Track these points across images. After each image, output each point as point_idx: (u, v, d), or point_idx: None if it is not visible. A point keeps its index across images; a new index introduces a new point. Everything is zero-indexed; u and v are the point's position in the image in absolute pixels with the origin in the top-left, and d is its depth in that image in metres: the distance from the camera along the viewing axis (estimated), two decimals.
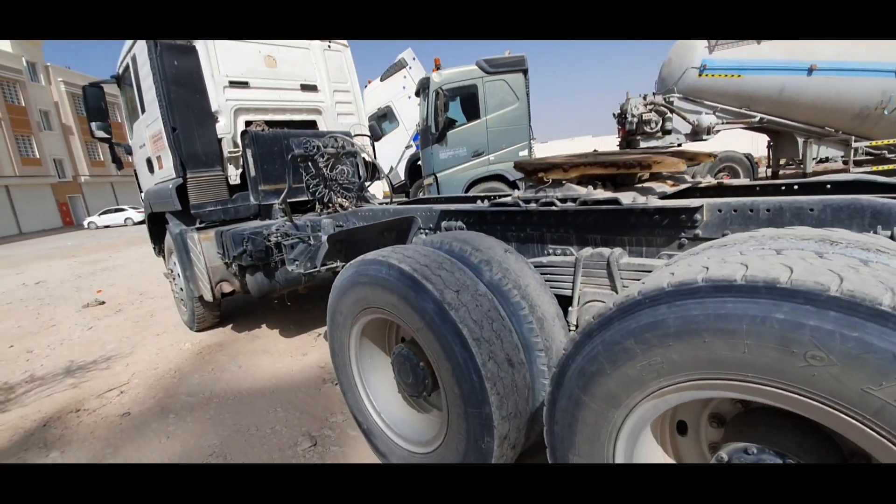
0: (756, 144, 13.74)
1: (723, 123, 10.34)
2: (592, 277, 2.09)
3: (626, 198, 2.01)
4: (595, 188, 2.24)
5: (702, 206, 1.83)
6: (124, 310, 6.69)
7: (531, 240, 2.48)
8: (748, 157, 9.95)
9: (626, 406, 1.28)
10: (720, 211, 1.82)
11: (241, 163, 4.85)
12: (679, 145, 10.99)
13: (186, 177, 4.43)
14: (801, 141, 10.72)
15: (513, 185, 9.35)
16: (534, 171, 2.38)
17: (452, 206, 2.79)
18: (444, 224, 2.82)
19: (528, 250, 2.46)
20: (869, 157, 10.47)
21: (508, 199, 2.51)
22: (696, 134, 10.47)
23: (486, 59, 8.99)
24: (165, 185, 4.60)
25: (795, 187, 2.31)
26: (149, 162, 5.19)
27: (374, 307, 2.11)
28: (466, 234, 2.34)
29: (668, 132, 10.56)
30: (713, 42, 9.89)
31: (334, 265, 3.55)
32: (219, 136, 4.61)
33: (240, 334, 4.94)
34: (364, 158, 5.02)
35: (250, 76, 4.81)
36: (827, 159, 10.64)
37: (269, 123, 4.82)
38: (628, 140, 11.15)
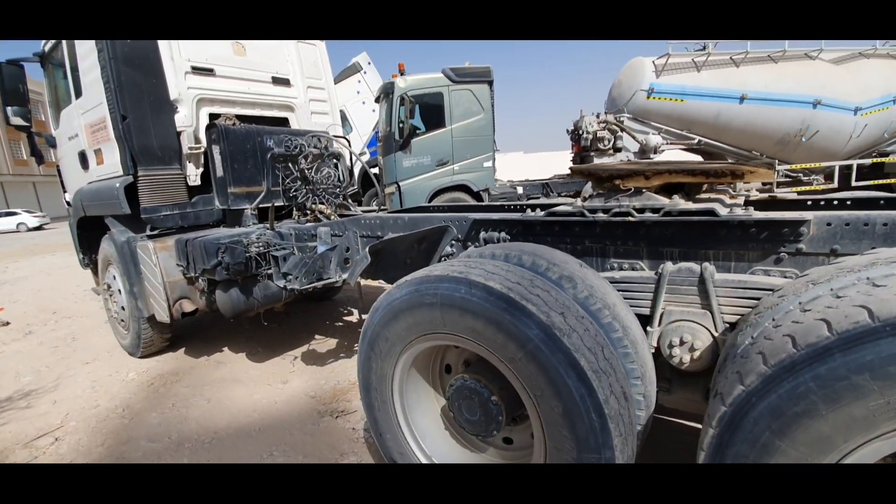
0: None
1: (667, 144, 11.01)
2: (678, 295, 1.90)
3: (720, 209, 1.86)
4: (668, 198, 2.08)
5: (809, 219, 1.71)
6: (36, 332, 5.58)
7: (589, 253, 2.26)
8: None
9: (841, 451, 1.07)
10: (829, 225, 1.71)
11: (204, 161, 4.21)
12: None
13: (138, 175, 3.73)
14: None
15: (477, 195, 9.24)
16: (609, 178, 2.17)
17: (494, 216, 2.51)
18: (483, 235, 2.52)
19: (588, 265, 2.23)
20: (787, 180, 11.67)
21: (567, 208, 2.28)
22: (644, 152, 11.04)
23: (451, 67, 8.85)
24: (109, 183, 3.85)
25: (848, 202, 2.31)
26: (82, 156, 4.35)
27: (439, 333, 1.76)
28: (533, 246, 2.07)
29: (619, 150, 11.04)
30: (660, 66, 10.54)
31: (333, 281, 3.11)
32: (178, 129, 3.96)
33: (197, 360, 4.24)
34: (346, 162, 4.57)
35: (216, 63, 4.21)
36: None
37: (239, 118, 4.23)
38: (582, 156, 11.52)
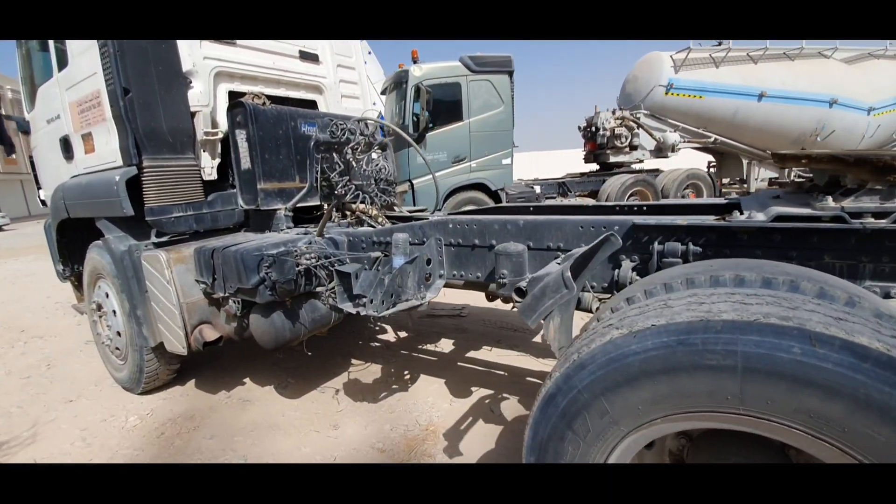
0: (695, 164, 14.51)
1: (684, 142, 10.63)
2: None
3: None
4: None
5: None
6: (1, 356, 4.62)
7: (826, 271, 1.63)
8: (710, 174, 10.35)
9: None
10: None
11: (220, 150, 3.41)
12: (641, 161, 11.13)
13: (142, 165, 2.92)
14: (745, 162, 11.44)
15: (494, 195, 8.60)
16: (885, 168, 1.54)
17: (669, 220, 1.85)
18: (656, 246, 1.86)
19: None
20: (800, 180, 11.45)
21: (801, 210, 1.64)
22: (661, 151, 10.65)
23: (470, 55, 8.17)
24: (105, 176, 3.02)
25: None
26: (65, 143, 3.48)
27: (722, 412, 1.09)
28: (795, 267, 1.42)
29: (635, 147, 10.61)
30: (679, 62, 10.13)
31: (416, 304, 2.40)
32: (192, 109, 3.16)
33: (215, 397, 3.43)
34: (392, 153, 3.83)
35: None
36: (773, 180, 11.47)
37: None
38: (596, 153, 11.04)
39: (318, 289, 2.75)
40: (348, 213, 3.64)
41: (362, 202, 3.61)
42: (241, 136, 3.19)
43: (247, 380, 3.68)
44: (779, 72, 10.29)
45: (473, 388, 3.38)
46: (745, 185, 11.53)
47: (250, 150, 3.15)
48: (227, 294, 2.69)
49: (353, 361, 4.01)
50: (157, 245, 3.07)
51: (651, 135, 10.35)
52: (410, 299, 2.48)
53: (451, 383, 3.49)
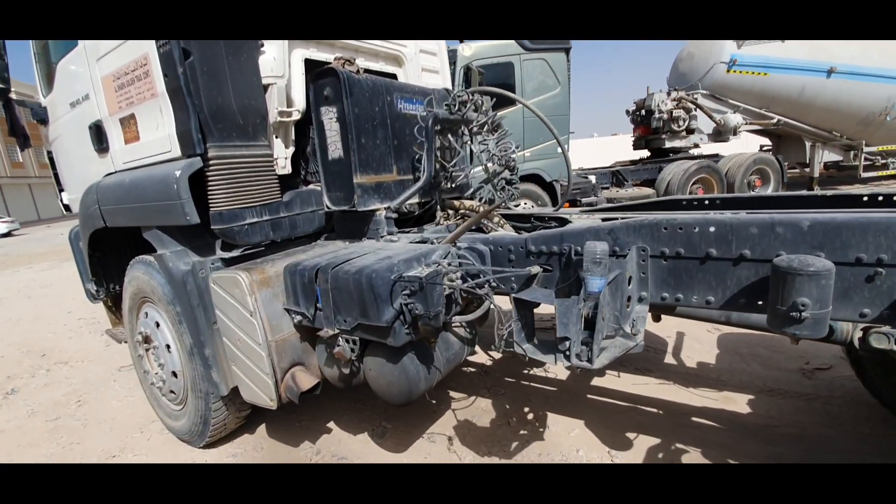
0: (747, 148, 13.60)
1: (746, 124, 9.77)
2: None
3: None
4: None
5: None
6: (21, 389, 3.93)
7: None
8: (778, 159, 9.50)
9: None
10: None
11: (294, 136, 2.66)
12: (698, 146, 10.28)
13: (208, 156, 2.16)
14: (808, 145, 10.55)
15: (549, 187, 7.81)
16: None
17: None
18: None
19: None
20: (866, 163, 10.58)
21: None
22: (720, 134, 9.79)
23: None
24: (159, 171, 2.27)
25: None
26: (96, 131, 2.72)
27: None
28: None
29: (692, 131, 9.76)
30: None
31: (632, 346, 1.65)
32: (264, 81, 2.40)
33: (297, 450, 2.69)
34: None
35: None
36: (838, 164, 10.60)
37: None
38: (648, 139, 10.19)
39: (457, 318, 2.00)
40: (450, 211, 2.89)
41: (477, 197, 2.87)
42: (329, 115, 2.42)
43: (331, 424, 2.93)
44: (849, 46, 9.36)
45: (630, 435, 2.63)
46: (808, 170, 10.66)
47: (343, 132, 2.39)
48: (338, 331, 1.93)
49: (452, 394, 3.26)
50: (228, 262, 2.33)
51: (711, 117, 9.49)
52: (613, 336, 1.72)
53: (594, 426, 2.74)
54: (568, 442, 2.62)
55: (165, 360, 2.63)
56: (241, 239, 2.33)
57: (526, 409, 3.00)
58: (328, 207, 2.57)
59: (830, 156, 10.81)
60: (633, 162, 10.35)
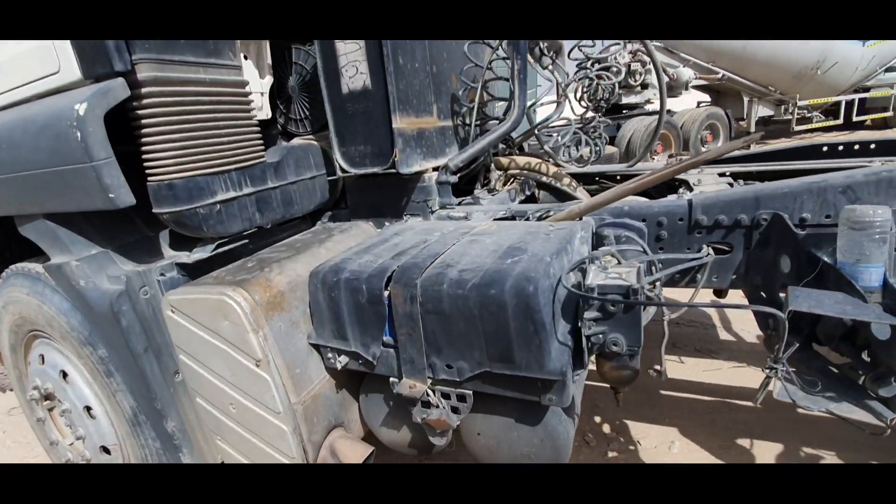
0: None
1: (696, 78, 9.74)
2: None
3: None
4: None
5: None
6: None
7: None
8: (727, 113, 9.60)
9: None
10: None
11: (270, 58, 1.68)
12: (651, 102, 10.14)
13: (139, 77, 1.16)
14: (746, 100, 10.86)
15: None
16: None
17: None
18: None
19: None
20: (797, 117, 11.16)
21: None
22: (673, 89, 9.67)
23: None
24: (40, 111, 1.21)
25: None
26: None
27: None
28: None
29: (646, 86, 9.52)
30: None
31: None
32: None
33: None
34: None
35: None
36: (770, 118, 11.05)
37: None
38: None
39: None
40: (499, 171, 2.10)
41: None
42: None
43: None
44: None
45: (743, 443, 2.12)
46: (745, 124, 11.03)
47: (374, 49, 1.45)
48: (433, 383, 1.10)
49: None
50: (190, 269, 1.36)
51: (665, 71, 9.28)
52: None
53: (694, 434, 2.20)
54: (674, 461, 2.05)
55: (87, 431, 1.62)
56: (211, 228, 1.36)
57: (598, 420, 2.39)
58: (343, 171, 1.64)
59: (764, 111, 11.26)
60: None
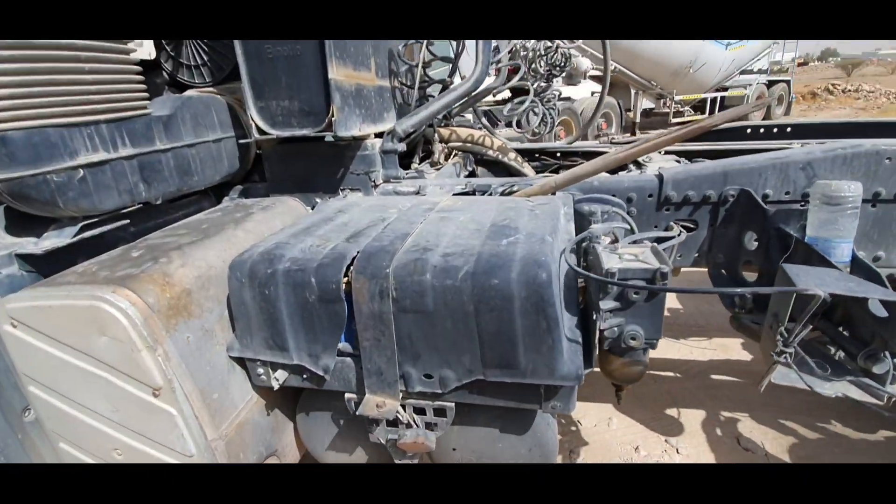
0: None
1: (593, 68, 10.34)
2: None
3: None
4: None
5: None
6: None
7: None
8: (619, 103, 10.32)
9: None
10: None
11: None
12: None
13: None
14: (633, 92, 11.86)
15: None
16: None
17: None
18: None
19: None
20: (673, 110, 12.49)
21: None
22: (572, 77, 10.18)
23: None
24: None
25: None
26: None
27: None
28: None
29: (556, 76, 9.89)
30: None
31: None
32: None
33: None
34: None
35: None
36: (650, 111, 12.20)
37: None
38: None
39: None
40: (442, 144, 1.90)
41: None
42: None
43: None
44: None
45: (671, 413, 2.21)
46: (632, 114, 12.06)
47: None
48: (407, 396, 0.87)
49: None
50: (40, 263, 0.95)
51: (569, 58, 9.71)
52: None
53: (628, 409, 2.25)
54: (615, 438, 2.07)
55: None
56: (71, 203, 0.96)
57: None
58: (260, 133, 1.29)
59: (646, 103, 12.41)
60: (498, 102, 10.11)
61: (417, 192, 1.34)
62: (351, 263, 0.83)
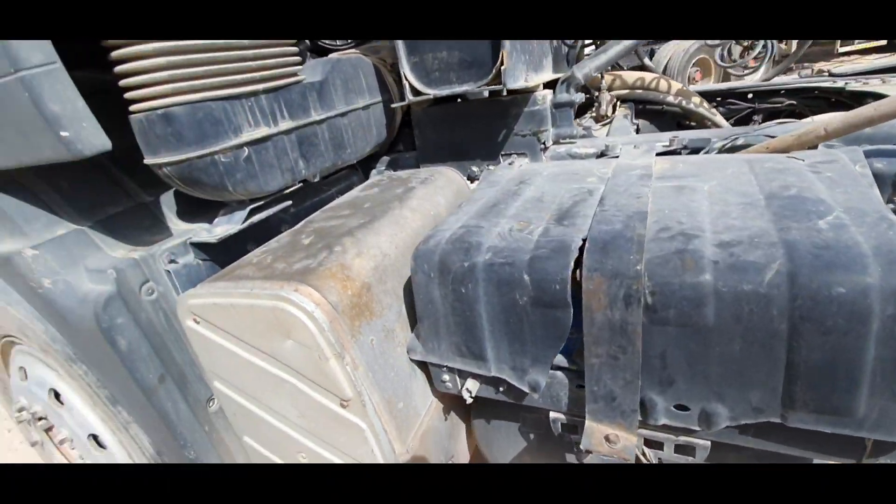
0: None
1: None
2: None
3: None
4: None
5: None
6: None
7: None
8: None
9: None
10: None
11: None
12: None
13: None
14: None
15: None
16: None
17: None
18: None
19: None
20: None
21: None
22: None
23: None
24: None
25: None
26: None
27: None
28: None
29: None
30: None
31: None
32: None
33: None
34: None
35: None
36: None
37: None
38: None
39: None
40: (609, 93, 1.57)
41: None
42: None
43: None
44: None
45: None
46: (784, 46, 10.03)
47: None
48: (655, 426, 0.67)
49: None
50: (210, 251, 0.90)
51: None
52: None
53: None
54: None
55: (98, 460, 1.23)
56: (240, 185, 0.88)
57: None
58: (414, 94, 1.11)
59: None
60: None
61: (602, 155, 1.07)
62: (581, 256, 0.62)
